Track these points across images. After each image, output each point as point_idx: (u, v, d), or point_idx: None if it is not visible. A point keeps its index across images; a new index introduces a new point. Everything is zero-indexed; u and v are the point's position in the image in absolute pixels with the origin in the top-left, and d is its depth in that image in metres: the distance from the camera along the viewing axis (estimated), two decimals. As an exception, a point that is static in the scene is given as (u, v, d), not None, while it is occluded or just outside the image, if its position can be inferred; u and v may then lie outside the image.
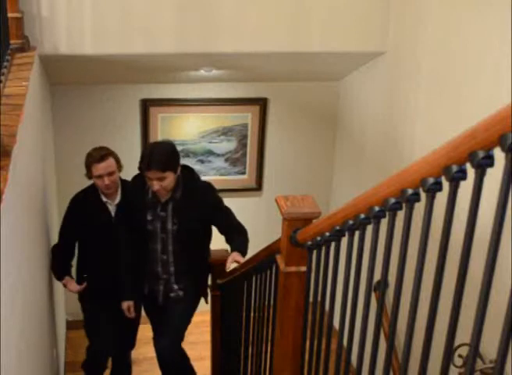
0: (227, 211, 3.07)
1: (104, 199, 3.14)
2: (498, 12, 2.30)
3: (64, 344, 3.96)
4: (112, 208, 3.17)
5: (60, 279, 3.18)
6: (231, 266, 2.81)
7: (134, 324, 3.41)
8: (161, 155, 2.78)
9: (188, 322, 3.21)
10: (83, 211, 3.13)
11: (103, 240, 3.14)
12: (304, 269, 1.96)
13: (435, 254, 1.22)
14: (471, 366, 1.14)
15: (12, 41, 2.67)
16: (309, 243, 1.88)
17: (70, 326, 4.16)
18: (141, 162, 2.80)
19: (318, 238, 1.82)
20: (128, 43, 3.05)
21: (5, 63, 2.43)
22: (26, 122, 2.25)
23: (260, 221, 4.38)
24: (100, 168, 2.99)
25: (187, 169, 3.01)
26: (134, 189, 3.01)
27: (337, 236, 1.71)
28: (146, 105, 4.00)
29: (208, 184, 3.07)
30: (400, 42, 3.19)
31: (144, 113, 4.03)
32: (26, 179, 2.28)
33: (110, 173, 3.00)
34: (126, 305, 3.13)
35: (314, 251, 1.91)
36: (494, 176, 1.09)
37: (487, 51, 2.41)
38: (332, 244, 1.78)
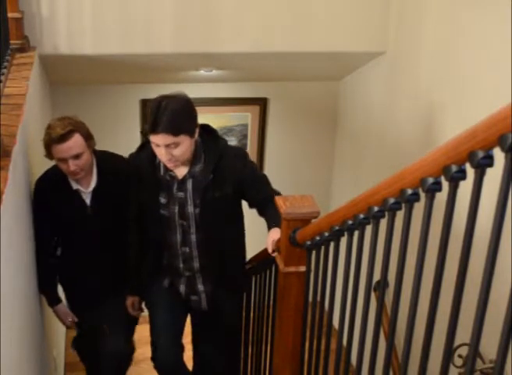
0: (263, 180, 2.38)
1: (74, 186, 2.45)
2: (498, 12, 2.30)
3: (64, 344, 3.96)
4: (85, 197, 2.48)
5: (52, 304, 2.61)
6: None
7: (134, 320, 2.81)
8: (172, 111, 2.05)
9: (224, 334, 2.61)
10: (48, 201, 2.44)
11: (78, 237, 2.56)
12: (303, 269, 1.96)
13: (434, 254, 1.22)
14: (471, 366, 1.14)
15: (12, 41, 2.67)
16: (308, 243, 1.88)
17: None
18: (146, 122, 2.17)
19: (318, 238, 1.82)
20: (128, 43, 3.05)
21: (5, 63, 2.44)
22: (26, 122, 2.25)
23: (260, 221, 4.38)
24: (61, 150, 2.29)
25: (207, 131, 2.29)
26: (140, 163, 2.32)
27: (336, 236, 1.71)
28: (146, 105, 4.00)
29: (237, 149, 2.43)
30: (400, 42, 3.19)
31: (143, 113, 4.03)
32: (26, 179, 2.28)
33: (76, 156, 2.31)
34: (131, 300, 2.62)
35: (314, 251, 1.91)
36: (494, 176, 1.09)
37: (487, 50, 2.41)
38: (332, 244, 1.78)
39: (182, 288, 2.49)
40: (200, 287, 2.46)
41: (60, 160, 2.32)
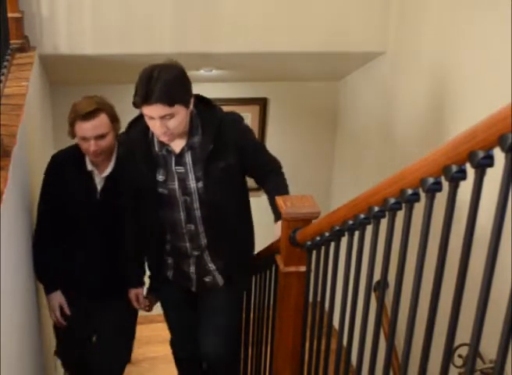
0: (261, 148, 2.35)
1: (89, 167, 2.34)
2: (498, 12, 2.30)
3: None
4: (98, 181, 2.36)
5: (49, 290, 2.44)
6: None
7: (130, 332, 2.64)
8: (166, 80, 1.94)
9: (238, 317, 2.53)
10: (60, 178, 2.35)
11: (84, 223, 2.39)
12: (303, 269, 1.96)
13: (434, 254, 1.22)
14: (471, 366, 1.14)
15: (12, 41, 2.67)
16: (308, 243, 1.88)
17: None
18: (136, 93, 2.00)
19: (318, 238, 1.82)
20: (128, 43, 3.05)
21: (5, 63, 2.44)
22: (26, 122, 2.25)
23: (260, 221, 4.37)
24: (85, 128, 2.21)
25: (202, 101, 2.19)
26: (132, 142, 2.21)
27: (337, 236, 1.71)
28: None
29: (233, 115, 2.26)
30: (400, 42, 3.19)
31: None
32: (26, 179, 2.28)
33: (100, 136, 2.23)
34: (134, 293, 2.44)
35: (314, 251, 1.91)
36: (494, 176, 1.09)
37: (487, 50, 2.41)
38: (332, 244, 1.78)
39: (192, 270, 2.34)
40: (211, 265, 2.33)
41: (82, 139, 2.24)
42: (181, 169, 2.18)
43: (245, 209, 2.37)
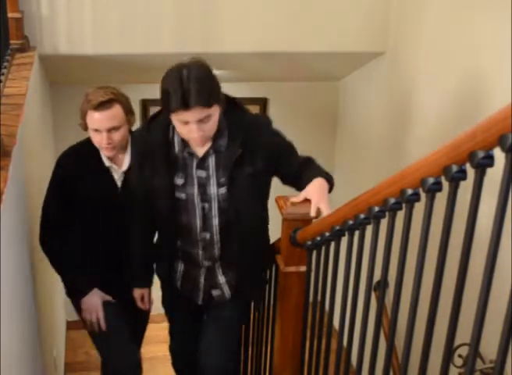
0: (292, 152, 2.11)
1: (107, 163, 2.24)
2: (498, 12, 2.30)
3: (64, 344, 3.96)
4: (117, 177, 2.26)
5: (82, 292, 2.31)
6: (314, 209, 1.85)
7: (143, 320, 2.65)
8: (198, 79, 1.77)
9: (236, 334, 2.38)
10: (74, 180, 2.20)
11: (105, 222, 2.30)
12: (303, 269, 1.96)
13: (435, 254, 1.22)
14: (471, 366, 1.14)
15: (12, 41, 2.67)
16: (309, 243, 1.88)
17: (70, 326, 4.15)
18: (168, 98, 1.80)
19: (318, 238, 1.82)
20: (128, 43, 3.05)
21: (5, 63, 2.44)
22: (26, 122, 2.25)
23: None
24: (98, 119, 2.11)
25: (228, 100, 1.97)
26: (152, 142, 2.00)
27: (337, 236, 1.71)
28: (146, 105, 4.00)
29: (262, 118, 2.17)
30: (400, 42, 3.19)
31: (143, 113, 4.03)
32: (26, 179, 2.28)
33: (113, 129, 2.13)
34: (139, 293, 2.34)
35: (314, 251, 1.91)
36: (494, 176, 1.09)
37: (487, 50, 2.41)
38: (332, 244, 1.78)
39: (201, 281, 2.18)
40: (221, 278, 2.16)
41: (95, 131, 2.13)
42: (202, 174, 2.00)
43: (265, 221, 2.20)
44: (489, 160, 1.06)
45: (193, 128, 1.81)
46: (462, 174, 1.13)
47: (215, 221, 2.05)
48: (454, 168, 1.12)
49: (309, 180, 1.94)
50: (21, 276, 2.02)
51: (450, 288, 1.18)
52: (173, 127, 1.94)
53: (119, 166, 2.25)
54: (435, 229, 1.25)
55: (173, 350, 2.51)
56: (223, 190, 1.98)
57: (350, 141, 4.13)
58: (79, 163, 2.23)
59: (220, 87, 1.87)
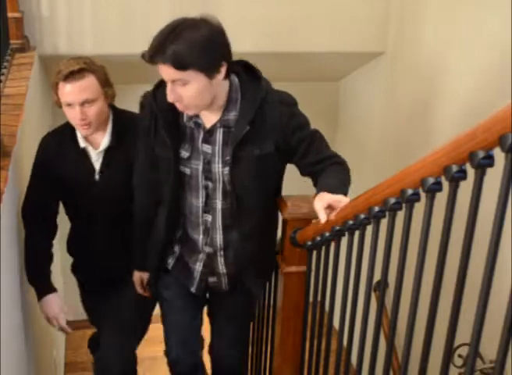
0: (316, 137, 1.86)
1: (82, 144, 2.05)
2: (498, 12, 2.30)
3: (64, 344, 3.96)
4: (95, 158, 2.06)
5: (40, 294, 2.12)
6: (322, 214, 1.63)
7: (145, 319, 2.41)
8: (185, 39, 1.61)
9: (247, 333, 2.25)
10: (52, 162, 2.07)
11: (82, 208, 2.14)
12: (303, 269, 1.96)
13: (435, 254, 1.22)
14: (471, 366, 1.14)
15: (12, 41, 2.67)
16: (309, 243, 1.88)
17: (70, 326, 4.16)
18: (150, 44, 1.67)
19: (318, 238, 1.82)
20: (128, 43, 3.05)
21: (5, 63, 2.44)
22: (26, 122, 2.25)
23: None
24: (69, 91, 1.91)
25: (247, 69, 1.83)
26: (157, 105, 1.81)
27: (337, 236, 1.71)
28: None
29: (283, 95, 1.88)
30: (400, 42, 3.19)
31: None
32: (26, 179, 2.28)
33: (86, 102, 1.93)
34: (138, 276, 2.14)
35: (314, 252, 1.91)
36: (494, 177, 1.09)
37: (487, 50, 2.41)
38: (332, 244, 1.78)
39: (198, 266, 1.98)
40: (222, 268, 1.97)
41: (67, 106, 1.94)
42: (208, 148, 1.80)
43: (271, 215, 1.98)
44: (489, 160, 1.06)
45: (168, 88, 1.65)
46: (462, 174, 1.13)
47: (218, 204, 1.86)
48: (454, 168, 1.12)
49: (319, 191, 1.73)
50: (21, 276, 2.03)
51: (450, 288, 1.18)
52: None
53: (96, 147, 2.05)
54: (435, 229, 1.25)
55: (169, 351, 2.22)
56: (227, 169, 1.79)
57: (349, 140, 4.13)
58: (56, 145, 2.07)
59: (216, 55, 1.67)
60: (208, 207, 1.88)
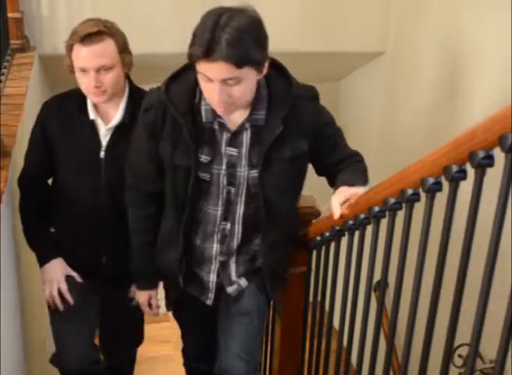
0: (340, 135, 1.81)
1: (92, 115, 1.84)
2: (498, 12, 2.30)
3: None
4: (103, 134, 1.85)
5: (44, 259, 1.92)
6: (336, 208, 1.58)
7: (135, 319, 2.18)
8: (236, 29, 1.43)
9: (259, 337, 1.95)
10: (54, 131, 1.85)
11: (83, 187, 1.88)
12: (303, 269, 1.96)
13: (435, 254, 1.22)
14: (471, 366, 1.14)
15: (12, 41, 2.67)
16: (309, 243, 1.88)
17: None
18: (193, 42, 1.52)
19: (318, 238, 1.82)
20: (128, 43, 3.05)
21: (5, 63, 2.44)
22: (26, 122, 2.26)
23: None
24: (84, 55, 1.73)
25: (273, 65, 1.64)
26: (173, 102, 1.60)
27: (337, 236, 1.71)
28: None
29: (309, 89, 1.74)
30: (400, 42, 3.19)
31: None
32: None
33: (103, 68, 1.75)
34: (146, 296, 1.91)
35: (314, 251, 1.91)
36: (494, 177, 1.09)
37: (488, 50, 2.41)
38: (332, 244, 1.78)
39: (212, 279, 1.78)
40: (234, 275, 1.79)
41: (81, 71, 1.74)
42: (233, 151, 1.62)
43: (296, 216, 1.85)
44: (489, 160, 1.06)
45: (216, 89, 1.44)
46: (462, 174, 1.13)
47: (240, 209, 1.69)
48: (454, 168, 1.12)
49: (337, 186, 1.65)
50: (21, 275, 2.03)
51: (450, 288, 1.18)
52: (201, 91, 1.56)
53: (107, 121, 1.84)
54: (435, 229, 1.25)
55: (189, 355, 2.13)
56: (254, 173, 1.62)
57: (350, 140, 4.13)
58: (60, 113, 1.85)
59: (266, 46, 1.54)
60: (228, 214, 1.70)
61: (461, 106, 2.62)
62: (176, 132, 1.60)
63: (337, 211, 1.56)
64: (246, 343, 1.84)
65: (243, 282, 1.81)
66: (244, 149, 1.62)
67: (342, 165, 1.75)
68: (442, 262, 1.21)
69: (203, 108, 1.60)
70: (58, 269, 1.92)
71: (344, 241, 1.68)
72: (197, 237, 1.75)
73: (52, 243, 1.95)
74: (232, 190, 1.66)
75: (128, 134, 1.77)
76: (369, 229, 1.52)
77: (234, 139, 1.62)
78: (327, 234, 1.75)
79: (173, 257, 1.75)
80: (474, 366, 1.16)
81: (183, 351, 2.15)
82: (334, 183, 1.70)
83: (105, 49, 1.75)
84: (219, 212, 1.69)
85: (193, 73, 1.53)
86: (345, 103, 4.17)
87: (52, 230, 1.98)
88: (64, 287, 1.91)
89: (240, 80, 1.45)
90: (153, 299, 1.92)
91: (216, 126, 1.61)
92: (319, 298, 1.90)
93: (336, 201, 1.58)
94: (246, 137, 1.62)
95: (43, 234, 1.95)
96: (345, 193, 1.57)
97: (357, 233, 1.60)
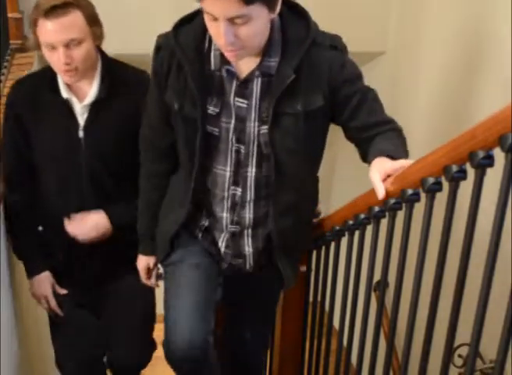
0: (369, 96, 1.60)
1: (64, 94, 1.71)
2: (499, 12, 2.30)
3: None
4: (79, 112, 1.72)
5: (32, 271, 1.85)
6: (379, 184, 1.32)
7: (146, 319, 2.10)
8: None
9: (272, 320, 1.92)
10: (25, 114, 1.74)
11: (58, 177, 1.77)
12: (303, 269, 1.96)
13: (435, 254, 1.22)
14: (471, 366, 1.14)
15: (12, 41, 2.67)
16: (309, 243, 1.88)
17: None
18: None
19: (318, 238, 1.82)
20: (128, 43, 3.05)
21: (5, 63, 2.44)
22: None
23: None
24: (50, 30, 1.60)
25: (289, 7, 1.48)
26: (180, 46, 1.47)
27: (337, 236, 1.71)
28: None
29: (334, 38, 1.57)
30: (400, 42, 3.19)
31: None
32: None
33: (71, 42, 1.62)
34: (144, 262, 1.76)
35: (314, 251, 1.91)
36: (494, 177, 1.09)
37: (488, 50, 2.41)
38: (332, 244, 1.78)
39: (223, 248, 1.64)
40: (248, 248, 1.63)
41: (49, 48, 1.62)
42: (242, 103, 1.47)
43: (315, 182, 1.70)
44: (489, 160, 1.06)
45: (221, 28, 1.30)
46: (462, 174, 1.13)
47: (251, 172, 1.53)
48: (454, 168, 1.12)
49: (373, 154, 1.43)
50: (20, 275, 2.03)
51: (450, 288, 1.18)
52: (210, 37, 1.44)
53: (81, 98, 1.72)
54: (435, 229, 1.25)
55: (172, 338, 1.61)
56: (265, 129, 1.46)
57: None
58: (32, 92, 1.73)
59: None
60: (238, 177, 1.54)
61: (461, 106, 2.62)
62: (182, 80, 1.47)
63: (381, 189, 1.31)
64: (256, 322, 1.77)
65: (249, 263, 1.65)
66: (254, 101, 1.47)
67: (372, 131, 1.52)
68: (442, 262, 1.21)
69: (212, 54, 1.46)
70: (46, 284, 1.86)
71: (344, 241, 1.68)
72: (208, 199, 1.60)
73: (41, 253, 1.85)
74: (242, 148, 1.51)
75: (107, 110, 1.71)
76: (369, 229, 1.52)
77: (243, 89, 1.46)
78: (327, 234, 1.75)
79: (180, 214, 1.60)
80: (474, 366, 1.16)
81: (166, 339, 1.64)
82: (366, 155, 1.48)
83: (73, 21, 1.62)
84: (228, 174, 1.54)
85: (202, 18, 1.41)
86: (345, 103, 4.17)
87: (40, 228, 1.87)
88: (53, 303, 1.87)
89: (248, 19, 1.31)
90: (152, 267, 1.77)
91: (224, 74, 1.47)
92: (319, 298, 1.90)
93: (376, 177, 1.33)
94: (256, 87, 1.46)
95: (31, 242, 1.84)
96: (386, 167, 1.34)
97: (357, 233, 1.60)
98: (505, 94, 2.10)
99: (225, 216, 1.59)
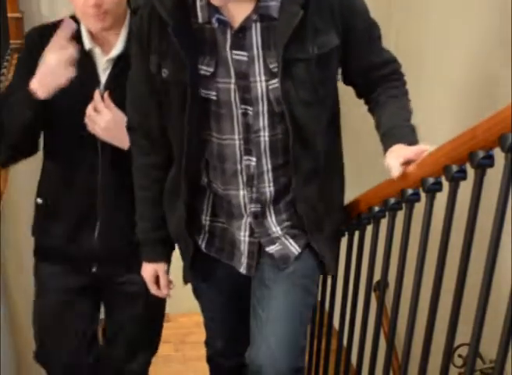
0: (376, 32, 1.52)
1: (88, 45, 1.53)
2: (499, 13, 2.30)
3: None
4: (102, 66, 1.54)
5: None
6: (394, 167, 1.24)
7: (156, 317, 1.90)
8: None
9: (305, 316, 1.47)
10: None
11: (74, 137, 1.56)
12: (303, 269, 1.96)
13: (435, 254, 1.22)
14: (471, 366, 1.14)
15: (12, 41, 2.67)
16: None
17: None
18: None
19: (318, 238, 1.82)
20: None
21: (5, 63, 2.44)
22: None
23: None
24: None
25: None
26: (160, 5, 1.24)
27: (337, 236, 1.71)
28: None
29: None
30: (400, 42, 3.19)
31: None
32: (26, 178, 2.28)
33: None
34: (151, 270, 1.52)
35: (314, 251, 1.90)
36: (494, 177, 1.09)
37: (488, 51, 2.41)
38: (332, 244, 1.78)
39: (243, 236, 1.40)
40: (276, 229, 1.39)
41: None
42: (242, 56, 1.26)
43: (338, 142, 1.52)
44: (489, 160, 1.06)
45: None
46: (462, 174, 1.13)
47: (264, 136, 1.30)
48: (454, 168, 1.12)
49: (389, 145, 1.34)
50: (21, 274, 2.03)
51: (450, 288, 1.18)
52: None
53: (106, 51, 1.52)
54: (435, 229, 1.25)
55: (213, 346, 1.68)
56: (275, 83, 1.25)
57: (350, 140, 4.13)
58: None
59: None
60: (249, 144, 1.31)
61: (462, 106, 2.62)
62: (166, 41, 1.27)
63: (397, 170, 1.21)
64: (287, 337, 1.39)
65: (291, 243, 1.39)
66: (255, 51, 1.25)
67: (382, 70, 1.47)
68: (442, 262, 1.21)
69: (198, 5, 1.26)
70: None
71: (344, 240, 1.68)
72: (216, 181, 1.37)
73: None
74: (250, 110, 1.29)
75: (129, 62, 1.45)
76: (369, 229, 1.52)
77: (240, 39, 1.25)
78: (327, 234, 1.75)
79: (180, 207, 1.40)
80: (474, 366, 1.16)
81: (206, 342, 1.71)
82: (378, 126, 1.41)
83: None
84: (237, 143, 1.31)
85: None
86: (345, 103, 4.17)
87: (39, 200, 1.65)
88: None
89: None
90: (161, 275, 1.53)
91: (215, 24, 1.25)
92: (319, 298, 1.90)
93: (395, 163, 1.23)
94: (255, 34, 1.25)
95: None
96: (405, 153, 1.23)
97: (357, 234, 1.60)
98: (504, 92, 2.10)
99: (241, 193, 1.35)
